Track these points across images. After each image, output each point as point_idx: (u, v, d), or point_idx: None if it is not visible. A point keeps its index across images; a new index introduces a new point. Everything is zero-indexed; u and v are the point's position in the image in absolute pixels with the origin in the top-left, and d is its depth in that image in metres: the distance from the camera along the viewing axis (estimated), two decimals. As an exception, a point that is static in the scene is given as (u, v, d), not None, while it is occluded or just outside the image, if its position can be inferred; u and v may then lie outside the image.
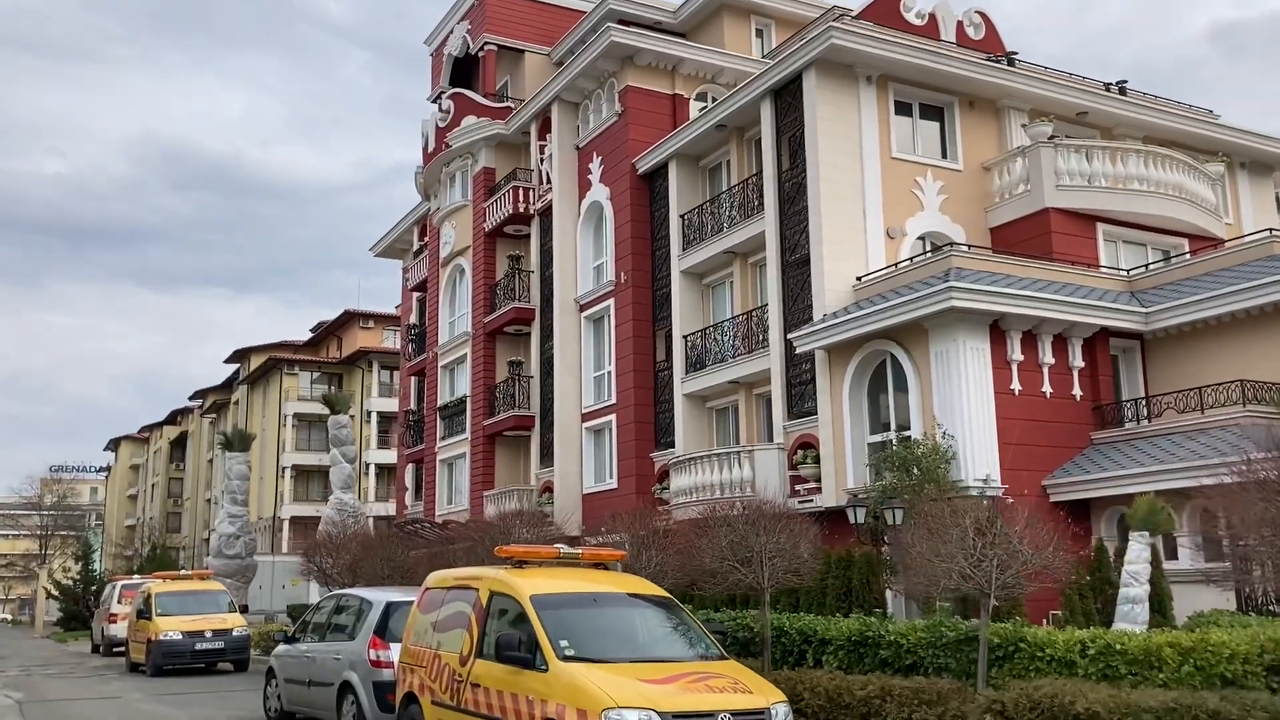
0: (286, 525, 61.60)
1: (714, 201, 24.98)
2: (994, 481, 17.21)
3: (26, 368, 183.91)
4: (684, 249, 25.32)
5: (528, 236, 31.12)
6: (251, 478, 69.06)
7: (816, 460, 20.45)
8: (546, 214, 29.87)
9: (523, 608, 8.50)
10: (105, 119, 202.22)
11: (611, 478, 26.60)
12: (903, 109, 22.34)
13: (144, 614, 21.85)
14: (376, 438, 63.50)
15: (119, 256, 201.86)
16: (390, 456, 63.48)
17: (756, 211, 23.20)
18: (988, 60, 22.59)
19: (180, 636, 20.86)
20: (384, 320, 67.85)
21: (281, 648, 13.14)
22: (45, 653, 34.80)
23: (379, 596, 11.75)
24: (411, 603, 11.54)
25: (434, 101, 36.15)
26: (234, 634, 21.39)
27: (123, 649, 30.65)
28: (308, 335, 74.06)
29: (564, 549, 9.48)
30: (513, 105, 32.15)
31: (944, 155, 22.65)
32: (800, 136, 21.77)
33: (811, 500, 20.26)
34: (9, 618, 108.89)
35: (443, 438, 33.75)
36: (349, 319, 67.21)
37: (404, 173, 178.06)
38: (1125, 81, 24.86)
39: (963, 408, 17.35)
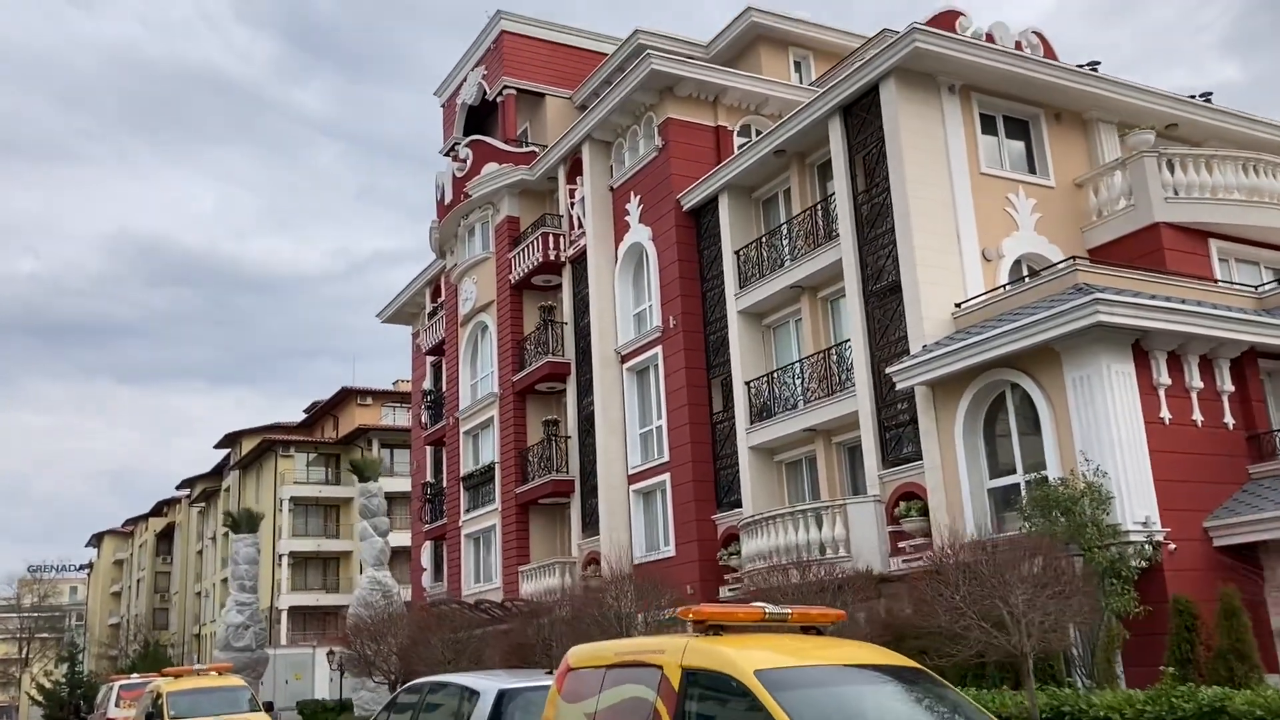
0: (285, 615, 58.12)
1: (773, 234, 22.85)
2: (1154, 524, 14.80)
3: (1, 469, 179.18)
4: (741, 287, 23.10)
5: (558, 286, 28.89)
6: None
7: (923, 512, 17.99)
8: (579, 261, 27.69)
9: (748, 690, 6.01)
10: (79, 216, 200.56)
11: (667, 545, 24.00)
12: (987, 122, 20.38)
13: (154, 717, 18.99)
14: (378, 519, 60.41)
15: (94, 353, 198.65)
16: (399, 539, 60.35)
17: (827, 240, 21.08)
18: (1077, 69, 20.70)
19: (198, 742, 18.04)
20: (382, 396, 65.32)
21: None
22: (31, 765, 31.47)
23: (486, 683, 9.16)
24: (530, 690, 8.99)
25: (447, 154, 34.22)
26: (260, 737, 18.58)
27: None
28: (301, 416, 71.29)
29: (769, 608, 7.01)
30: (536, 150, 30.18)
31: (1033, 171, 20.66)
32: (877, 154, 19.74)
33: (920, 559, 17.73)
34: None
35: (468, 510, 31.06)
36: (345, 396, 64.54)
37: (382, 260, 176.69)
38: (1210, 93, 23.06)
39: (1111, 441, 14.98)
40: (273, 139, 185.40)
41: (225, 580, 69.54)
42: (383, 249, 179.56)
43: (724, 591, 22.18)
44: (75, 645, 54.93)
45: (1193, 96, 22.73)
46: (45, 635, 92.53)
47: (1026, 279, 19.26)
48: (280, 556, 60.11)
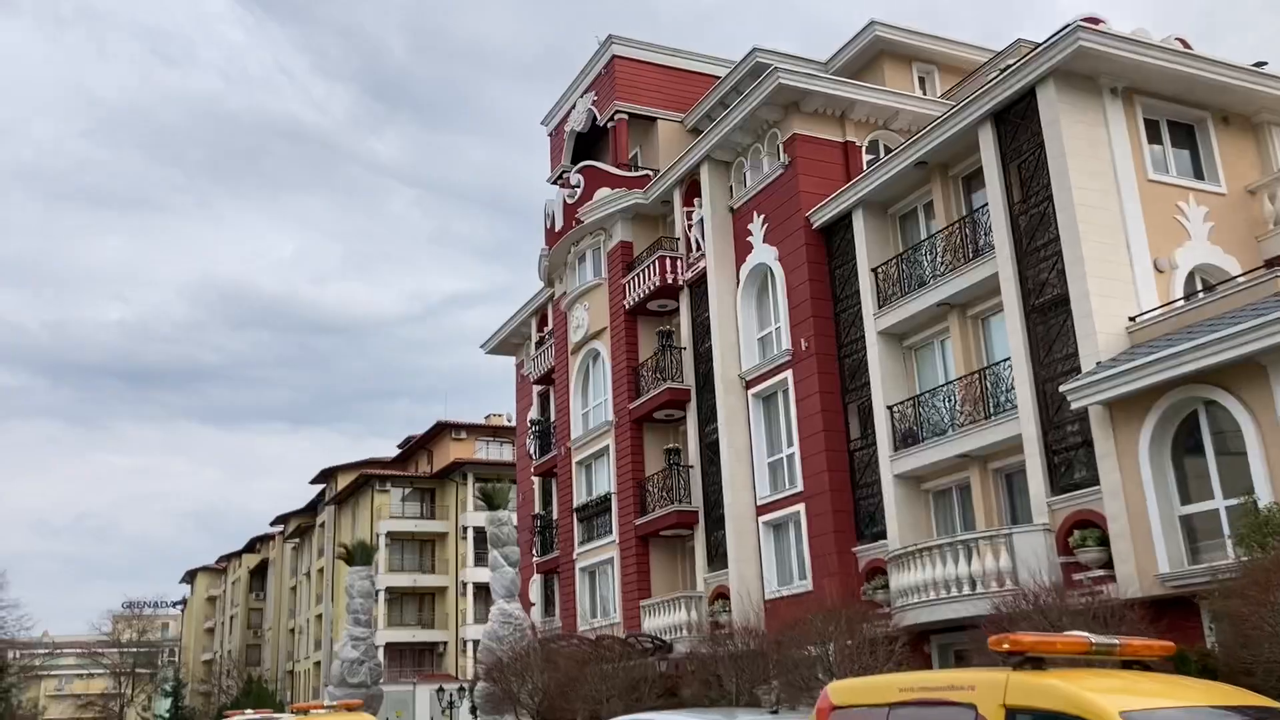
0: (382, 652, 57.63)
1: (914, 250, 21.74)
2: (1387, 555, 13.30)
3: (91, 509, 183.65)
4: (879, 307, 22.01)
5: (675, 311, 28.07)
6: (340, 606, 65.86)
7: (1101, 542, 16.64)
8: (698, 284, 26.84)
9: (1105, 739, 4.97)
10: (165, 264, 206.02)
11: (803, 578, 22.82)
12: (1151, 127, 19.11)
13: (288, 756, 18.37)
14: (473, 555, 59.97)
15: (179, 396, 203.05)
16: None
17: (977, 255, 19.93)
18: (1247, 67, 19.37)
19: (335, 784, 17.32)
20: (476, 430, 65.19)
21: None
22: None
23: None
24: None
25: (555, 182, 33.75)
26: (395, 779, 17.82)
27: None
28: (394, 452, 71.45)
29: (1094, 638, 5.97)
30: (649, 174, 29.51)
31: (1201, 177, 19.31)
32: (1035, 162, 18.59)
33: (1101, 591, 16.37)
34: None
35: (582, 542, 30.20)
36: (440, 431, 64.50)
37: (454, 302, 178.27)
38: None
39: (1334, 460, 13.58)
40: (349, 186, 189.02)
41: (320, 616, 69.89)
42: (455, 291, 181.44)
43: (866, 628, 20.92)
44: (179, 681, 55.03)
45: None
46: (141, 670, 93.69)
47: (1201, 292, 17.97)
48: (377, 592, 59.87)
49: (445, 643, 60.25)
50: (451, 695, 34.46)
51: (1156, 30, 18.93)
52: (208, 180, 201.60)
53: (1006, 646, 5.88)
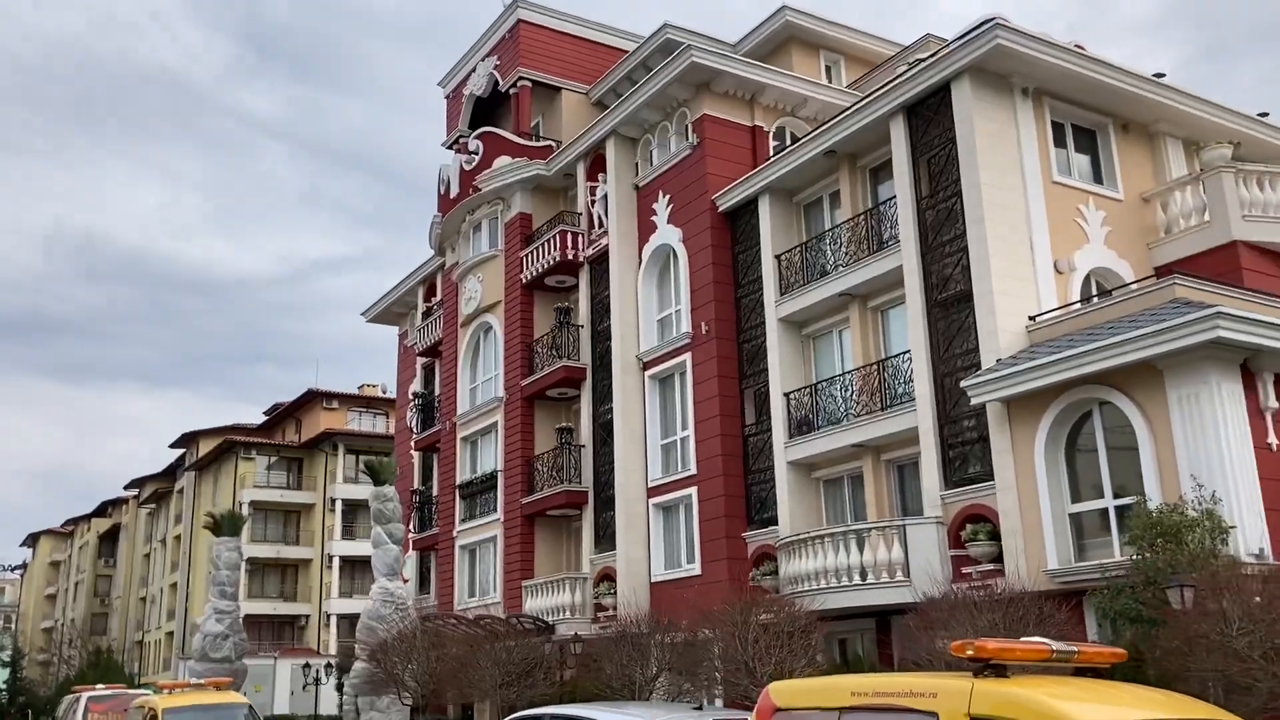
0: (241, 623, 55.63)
1: (818, 239, 21.74)
2: (1268, 557, 13.82)
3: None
4: (781, 294, 21.95)
5: (573, 288, 27.56)
6: (197, 575, 63.25)
7: (992, 536, 16.89)
8: (599, 262, 26.38)
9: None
10: (15, 208, 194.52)
11: (691, 562, 22.69)
12: (1057, 130, 19.46)
13: (148, 738, 17.24)
14: (341, 528, 58.38)
15: (25, 348, 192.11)
16: (359, 548, 58.36)
17: (881, 247, 20.02)
18: (1150, 77, 19.88)
19: (201, 766, 16.30)
20: (349, 400, 63.39)
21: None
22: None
23: (630, 720, 7.81)
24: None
25: (450, 146, 32.77)
26: (266, 761, 16.90)
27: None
28: (260, 419, 68.96)
29: (1055, 645, 5.79)
30: (552, 145, 28.86)
31: (1101, 182, 19.78)
32: (945, 157, 18.72)
33: (990, 585, 16.61)
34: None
35: (463, 520, 29.49)
36: (311, 399, 62.47)
37: (326, 267, 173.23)
38: (1267, 114, 22.38)
39: (1222, 466, 13.99)
40: (218, 140, 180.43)
41: (175, 585, 67.01)
42: (326, 255, 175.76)
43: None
44: (19, 650, 52.01)
45: (1264, 114, 22.00)
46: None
47: (1098, 295, 18.40)
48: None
49: (307, 616, 58.52)
50: (318, 671, 33.29)
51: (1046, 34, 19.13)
52: (67, 125, 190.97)
53: (970, 652, 5.66)
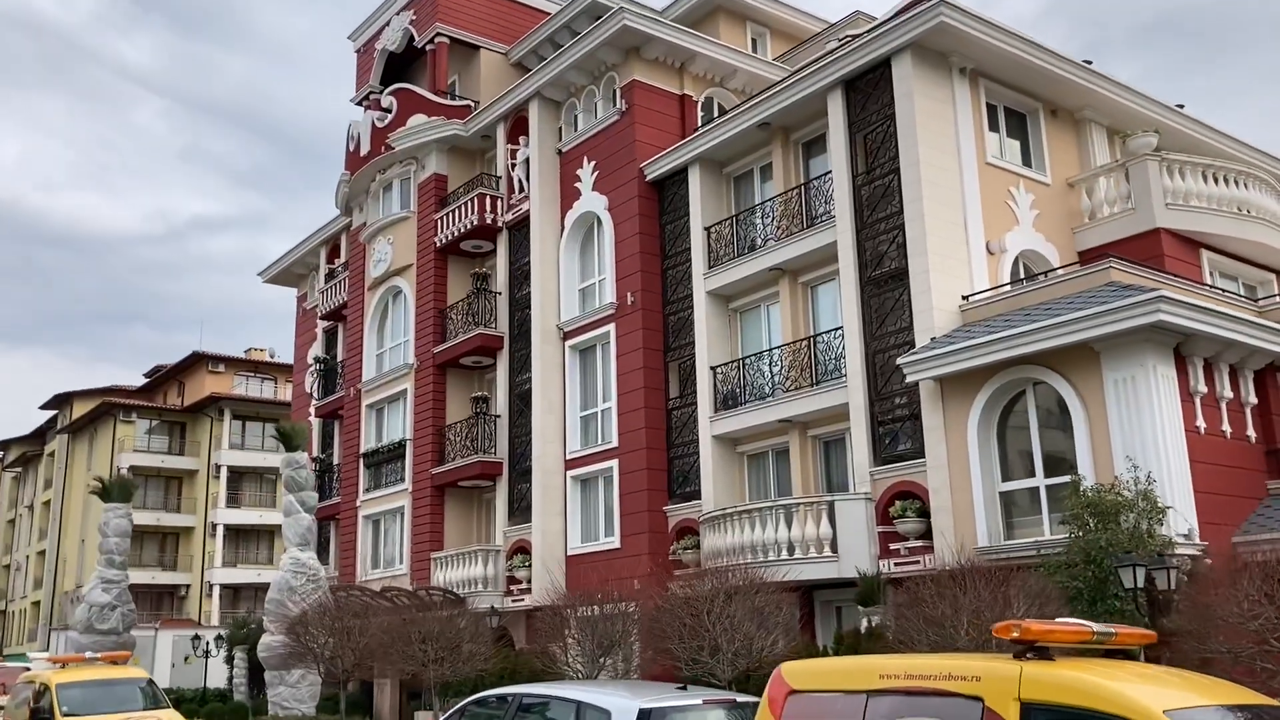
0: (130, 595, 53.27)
1: (749, 212, 21.52)
2: (1195, 537, 14.16)
3: None
4: (710, 267, 21.68)
5: (490, 253, 26.81)
6: (68, 542, 60.33)
7: (921, 513, 16.98)
8: (518, 227, 25.69)
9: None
10: None
11: (609, 535, 22.37)
12: (990, 112, 19.58)
13: (41, 715, 16.06)
14: (226, 495, 56.35)
15: None
16: (244, 516, 56.55)
17: (814, 222, 19.90)
18: (1081, 64, 20.13)
19: (100, 748, 15.27)
20: (236, 364, 61.11)
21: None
22: None
23: (617, 700, 7.36)
24: (678, 710, 7.30)
25: (360, 103, 31.54)
26: (174, 742, 15.93)
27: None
28: (140, 381, 66.00)
29: (1095, 627, 5.60)
30: (470, 105, 27.96)
31: (1030, 166, 20.00)
32: (883, 134, 18.65)
33: (917, 563, 16.74)
34: None
35: (368, 489, 28.58)
36: (195, 361, 60.02)
37: (204, 226, 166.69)
38: (1183, 105, 22.97)
39: (1156, 447, 14.26)
40: (90, 90, 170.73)
41: (43, 553, 63.84)
42: (204, 214, 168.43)
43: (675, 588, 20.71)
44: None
45: (1180, 106, 22.53)
46: None
47: (1029, 277, 18.63)
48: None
49: (188, 586, 56.47)
50: (208, 644, 31.95)
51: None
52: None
53: (1015, 634, 5.42)
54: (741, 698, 7.80)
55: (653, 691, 7.66)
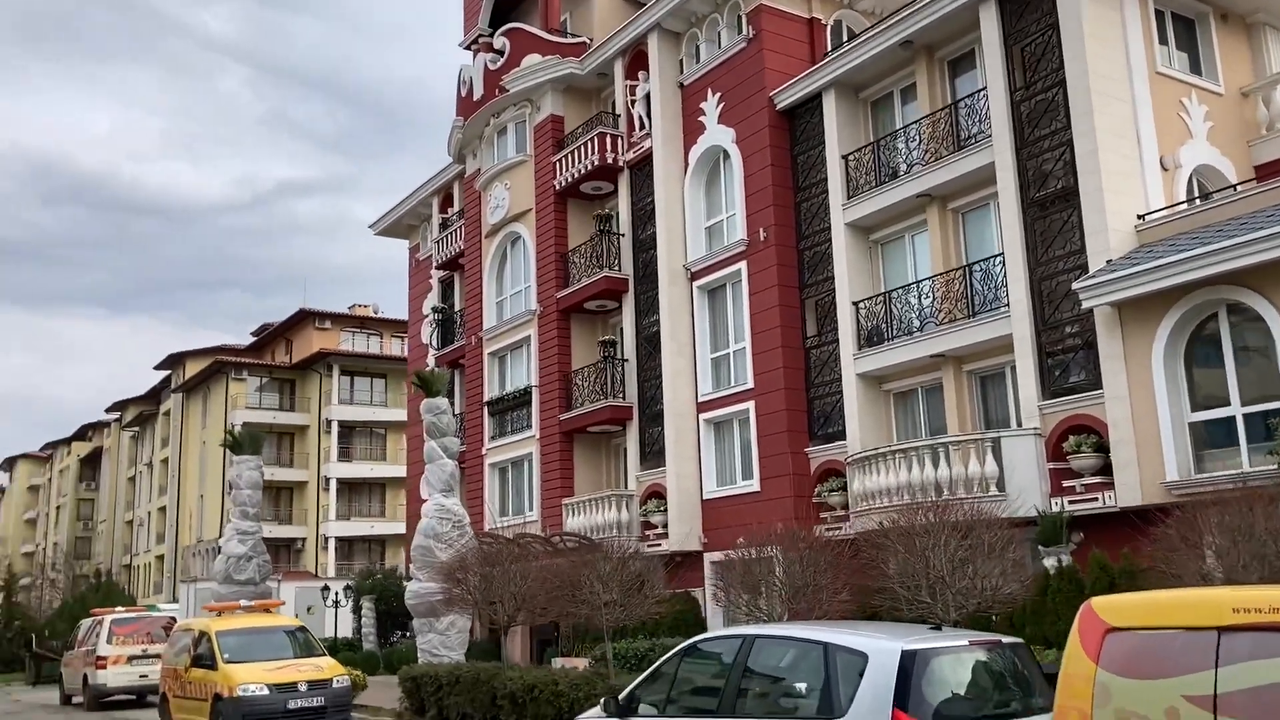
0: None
1: (891, 137, 20.45)
2: None
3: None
4: (849, 197, 20.71)
5: (610, 195, 26.17)
6: (187, 498, 62.02)
7: (1098, 448, 15.98)
8: (640, 167, 24.96)
9: None
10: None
11: (747, 478, 21.76)
12: (1159, 19, 18.19)
13: (203, 661, 16.16)
14: (337, 450, 57.16)
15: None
16: (355, 470, 57.36)
17: (965, 145, 18.77)
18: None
19: (266, 691, 15.22)
20: (341, 320, 61.74)
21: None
22: (-4, 706, 28.19)
23: (873, 642, 6.76)
24: (946, 651, 6.64)
25: (469, 47, 30.97)
26: (334, 685, 15.85)
27: (112, 699, 24.66)
28: (249, 340, 67.23)
29: None
30: (585, 43, 27.19)
31: (1201, 75, 18.58)
32: (1043, 45, 17.43)
33: (1095, 499, 15.80)
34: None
35: (493, 437, 28.41)
36: (302, 319, 60.75)
37: (290, 190, 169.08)
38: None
39: (1375, 368, 13.08)
40: (175, 61, 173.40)
41: (163, 509, 65.78)
42: (289, 179, 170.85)
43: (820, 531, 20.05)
44: (11, 574, 50.80)
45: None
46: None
47: (1200, 196, 17.38)
48: (231, 486, 56.44)
49: (304, 539, 57.61)
50: (337, 594, 32.45)
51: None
52: (17, 45, 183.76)
53: None
54: (1007, 640, 7.12)
55: (909, 633, 7.01)
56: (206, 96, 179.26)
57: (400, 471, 53.46)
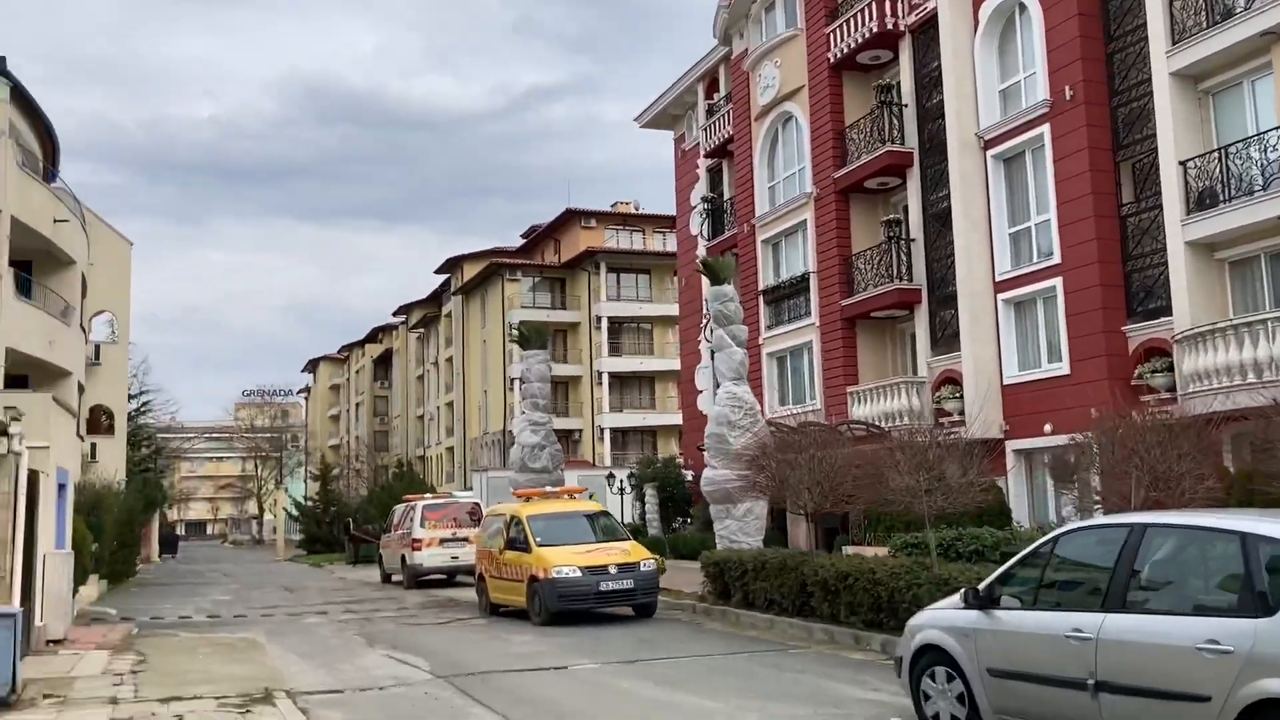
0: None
1: (1227, -31, 17.87)
2: None
3: (196, 303, 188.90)
4: (1174, 43, 18.36)
5: (889, 64, 24.64)
6: (471, 394, 65.75)
7: None
8: (923, 30, 23.26)
9: None
10: (250, 59, 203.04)
11: (1054, 361, 20.27)
12: None
13: (517, 544, 16.87)
14: (607, 345, 58.65)
15: (272, 192, 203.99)
16: (625, 364, 58.74)
17: (1325, -32, 16.09)
18: None
19: (579, 574, 15.73)
20: (605, 218, 62.73)
21: (972, 616, 7.42)
22: (326, 582, 31.09)
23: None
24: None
25: (731, -79, 29.70)
26: (641, 569, 16.19)
27: (427, 578, 26.48)
28: (519, 242, 69.69)
29: None
30: (857, -97, 25.38)
31: None
32: None
33: None
34: (238, 538, 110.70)
35: (769, 326, 27.96)
36: (569, 218, 62.17)
37: (540, 95, 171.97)
38: None
39: None
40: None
41: (450, 404, 70.10)
42: (539, 84, 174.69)
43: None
44: (325, 465, 55.84)
45: None
46: (272, 454, 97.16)
47: None
48: (513, 382, 59.27)
49: (580, 430, 59.84)
50: (621, 481, 33.49)
51: None
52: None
53: None
54: None
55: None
56: (457, 7, 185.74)
57: (668, 365, 54.33)
